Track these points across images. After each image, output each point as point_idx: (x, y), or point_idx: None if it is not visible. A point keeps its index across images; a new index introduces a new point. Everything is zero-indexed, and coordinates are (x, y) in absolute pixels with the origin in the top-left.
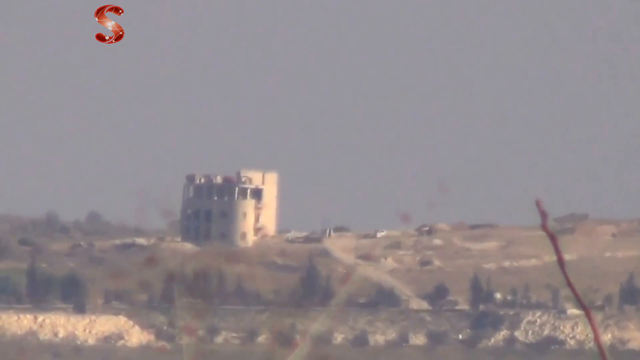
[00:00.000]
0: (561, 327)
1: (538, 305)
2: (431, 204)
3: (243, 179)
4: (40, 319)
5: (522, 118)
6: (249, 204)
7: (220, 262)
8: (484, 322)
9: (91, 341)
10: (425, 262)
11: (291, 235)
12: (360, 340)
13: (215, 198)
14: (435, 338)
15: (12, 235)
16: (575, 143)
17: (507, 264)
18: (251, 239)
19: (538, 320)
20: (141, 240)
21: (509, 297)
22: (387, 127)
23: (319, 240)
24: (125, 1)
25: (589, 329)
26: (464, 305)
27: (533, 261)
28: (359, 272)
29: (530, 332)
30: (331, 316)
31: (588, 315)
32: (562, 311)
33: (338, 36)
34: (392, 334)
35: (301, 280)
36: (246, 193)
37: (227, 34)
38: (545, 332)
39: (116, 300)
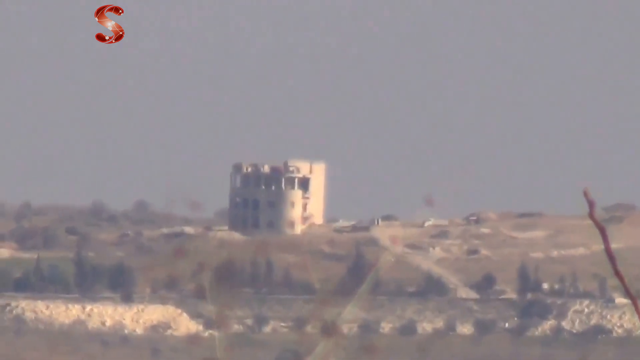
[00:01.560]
0: (608, 317)
1: (585, 295)
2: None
3: (291, 169)
4: (88, 308)
5: (572, 105)
6: (296, 194)
7: (268, 251)
8: (531, 311)
9: (139, 330)
10: (472, 251)
11: (339, 224)
12: (407, 329)
13: (263, 187)
14: (483, 327)
15: (60, 225)
16: (624, 132)
17: (554, 253)
18: (299, 228)
19: (585, 309)
20: (189, 230)
21: (556, 286)
22: (435, 115)
23: (366, 229)
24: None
25: (637, 318)
26: (511, 294)
27: (581, 250)
28: (386, 256)
29: (577, 321)
30: (359, 304)
31: (635, 304)
32: (610, 300)
33: (384, 25)
34: (439, 323)
35: (349, 269)
36: (294, 183)
37: (274, 20)
38: (593, 321)
39: (164, 289)
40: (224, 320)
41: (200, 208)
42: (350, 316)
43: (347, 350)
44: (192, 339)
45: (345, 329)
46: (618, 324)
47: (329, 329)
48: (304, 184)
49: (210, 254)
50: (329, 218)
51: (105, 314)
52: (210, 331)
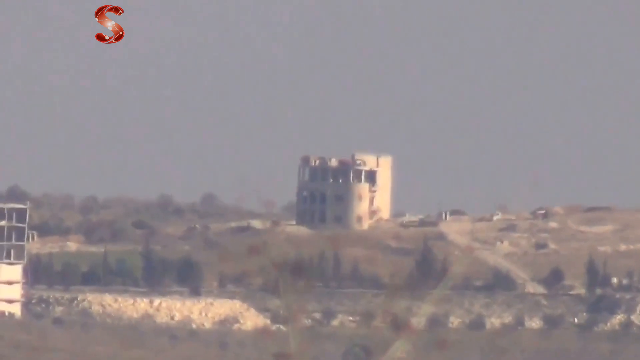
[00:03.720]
0: None
1: None
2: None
3: (358, 162)
4: (156, 302)
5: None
6: (363, 187)
7: (336, 245)
8: (600, 306)
9: (207, 325)
10: (540, 246)
11: (406, 218)
12: (476, 324)
13: (331, 181)
14: (551, 322)
15: (126, 218)
16: None
17: (623, 247)
18: (366, 222)
19: None
20: (256, 224)
21: (624, 281)
22: (505, 109)
23: (434, 223)
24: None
25: None
26: (579, 289)
27: None
28: (466, 254)
29: None
30: (436, 300)
31: None
32: None
33: (452, 21)
34: (508, 318)
35: (417, 264)
36: (361, 176)
37: (340, 11)
38: None
39: (231, 283)
40: (296, 315)
41: (273, 205)
42: (425, 313)
43: (417, 345)
44: (260, 333)
45: (414, 323)
46: None
47: (399, 324)
48: (371, 177)
49: (281, 249)
50: (396, 212)
51: (173, 308)
52: (278, 325)
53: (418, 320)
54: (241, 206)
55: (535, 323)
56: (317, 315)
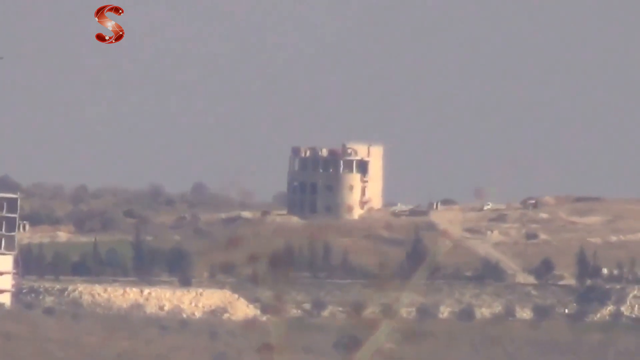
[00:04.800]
0: None
1: None
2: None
3: (349, 152)
4: (146, 292)
5: (630, 88)
6: (354, 177)
7: (325, 235)
8: (590, 296)
9: (197, 314)
10: (531, 236)
11: (397, 208)
12: (466, 314)
13: (321, 171)
14: (541, 312)
15: (117, 208)
16: None
17: (613, 238)
18: (357, 212)
19: None
20: (246, 214)
21: (614, 272)
22: (495, 100)
23: (425, 213)
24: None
25: None
26: (570, 280)
27: (639, 235)
28: (438, 244)
29: (636, 306)
30: (416, 288)
31: None
32: None
33: (442, 12)
34: (498, 308)
35: (407, 254)
36: (352, 166)
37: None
38: None
39: (222, 273)
40: (280, 305)
41: (251, 196)
42: (407, 301)
43: (404, 334)
44: (249, 324)
45: (403, 313)
46: None
47: (388, 313)
48: (362, 166)
49: (266, 240)
50: (387, 202)
51: (163, 297)
52: (268, 315)
53: (408, 310)
54: (231, 197)
55: (525, 313)
56: (307, 306)
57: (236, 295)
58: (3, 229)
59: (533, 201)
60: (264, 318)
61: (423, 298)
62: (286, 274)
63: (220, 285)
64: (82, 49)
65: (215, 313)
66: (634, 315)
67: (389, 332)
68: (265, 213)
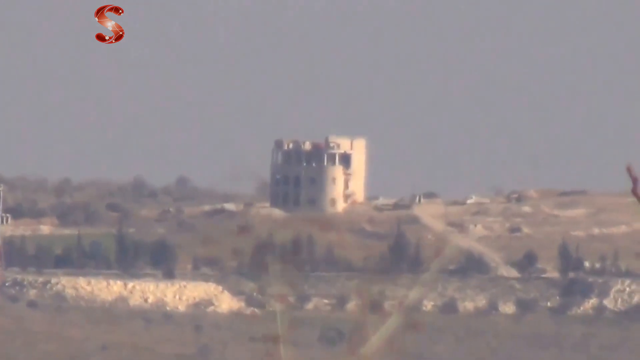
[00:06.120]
0: None
1: (627, 273)
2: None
3: (331, 145)
4: (129, 285)
5: (614, 82)
6: (337, 170)
7: (311, 228)
8: (573, 289)
9: (181, 307)
10: (514, 229)
11: (380, 202)
12: (449, 307)
13: (304, 164)
14: (525, 305)
15: (100, 201)
16: None
17: (596, 231)
18: (340, 205)
19: (627, 288)
20: (230, 206)
21: (597, 265)
22: (477, 93)
23: (408, 207)
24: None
25: None
26: (553, 273)
27: (623, 228)
28: (452, 243)
29: (619, 300)
30: (424, 285)
31: None
32: None
33: (426, 3)
34: (481, 301)
35: (390, 247)
36: (335, 159)
37: None
38: (635, 300)
39: (205, 266)
40: (284, 297)
41: (238, 182)
42: (417, 295)
43: (390, 327)
44: (234, 316)
45: (387, 306)
46: None
47: (375, 306)
48: (345, 160)
49: (254, 231)
50: (370, 195)
51: (147, 290)
52: (253, 308)
53: (392, 304)
54: (215, 189)
55: (508, 307)
56: (291, 299)
57: (221, 288)
58: None
59: (516, 195)
60: (249, 311)
61: (405, 291)
62: (273, 268)
63: (205, 278)
64: (69, 45)
65: (200, 306)
66: (616, 309)
67: (397, 323)
68: (248, 205)
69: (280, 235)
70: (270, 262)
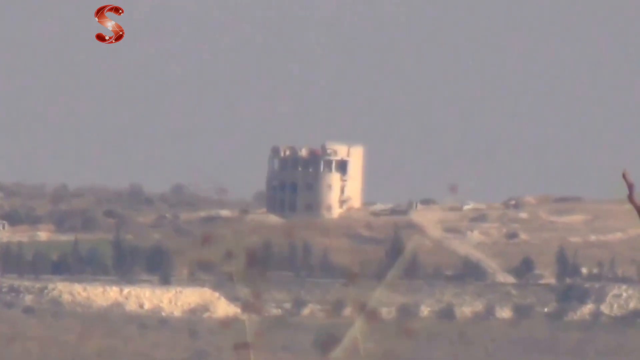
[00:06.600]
0: None
1: (624, 279)
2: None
3: (328, 152)
4: (125, 290)
5: (610, 88)
6: (334, 177)
7: (307, 234)
8: (569, 295)
9: (177, 313)
10: (511, 235)
11: (376, 207)
12: (446, 313)
13: (300, 170)
14: (521, 311)
15: (97, 207)
16: None
17: (593, 237)
18: (337, 211)
19: (624, 294)
20: (225, 213)
21: (594, 271)
22: (475, 98)
23: (404, 212)
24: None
25: None
26: (549, 279)
27: (619, 235)
28: (414, 239)
29: (615, 305)
30: (388, 287)
31: None
32: None
33: (421, 10)
34: (478, 307)
35: (386, 253)
36: (331, 165)
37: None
38: (631, 306)
39: (201, 271)
40: (257, 304)
41: (226, 193)
42: (383, 299)
43: (385, 333)
44: (228, 322)
45: (383, 312)
46: None
47: (368, 313)
48: (342, 166)
49: (242, 238)
50: (367, 201)
51: (143, 296)
52: (248, 314)
53: (388, 310)
54: (210, 196)
55: (505, 313)
56: (287, 305)
57: (216, 294)
58: None
59: (514, 201)
60: (244, 317)
61: (402, 297)
62: (263, 272)
63: (201, 284)
64: (68, 48)
65: (195, 311)
66: (613, 314)
67: (364, 329)
68: (244, 212)
69: (276, 241)
70: (263, 269)
